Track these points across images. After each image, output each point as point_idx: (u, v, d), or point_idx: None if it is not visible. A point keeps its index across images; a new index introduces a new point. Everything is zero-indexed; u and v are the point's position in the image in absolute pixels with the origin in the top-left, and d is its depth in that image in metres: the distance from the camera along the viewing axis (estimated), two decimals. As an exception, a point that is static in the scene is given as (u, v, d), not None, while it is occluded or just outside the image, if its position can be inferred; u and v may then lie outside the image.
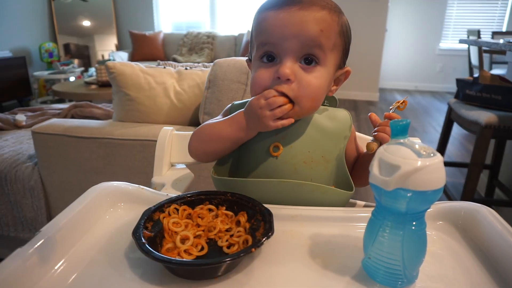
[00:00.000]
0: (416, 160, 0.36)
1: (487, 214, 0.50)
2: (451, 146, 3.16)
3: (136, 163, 1.37)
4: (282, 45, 0.54)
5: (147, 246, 0.43)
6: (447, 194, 2.00)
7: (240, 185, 0.59)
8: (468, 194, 1.74)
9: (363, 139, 0.79)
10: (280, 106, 0.54)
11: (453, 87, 1.99)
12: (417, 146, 0.38)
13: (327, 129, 0.63)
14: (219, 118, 0.65)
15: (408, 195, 0.36)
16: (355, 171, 0.68)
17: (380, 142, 0.58)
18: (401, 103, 0.61)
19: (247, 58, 0.67)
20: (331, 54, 0.57)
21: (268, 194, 0.57)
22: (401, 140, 0.39)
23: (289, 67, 0.54)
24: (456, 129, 2.90)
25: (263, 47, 0.56)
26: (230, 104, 0.69)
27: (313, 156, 0.61)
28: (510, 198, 1.92)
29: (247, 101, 0.66)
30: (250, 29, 0.63)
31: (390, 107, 0.64)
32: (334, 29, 0.56)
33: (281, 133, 0.61)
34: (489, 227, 0.48)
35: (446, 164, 2.39)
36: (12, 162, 1.54)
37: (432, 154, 0.37)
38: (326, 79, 0.58)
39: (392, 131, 0.40)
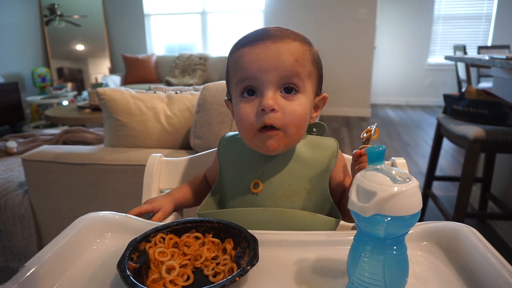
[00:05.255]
0: (392, 186, 0.37)
1: (469, 234, 0.51)
2: (443, 160, 3.19)
3: (128, 188, 1.37)
4: (261, 78, 0.56)
5: (131, 278, 0.43)
6: (440, 208, 2.01)
7: (223, 216, 0.59)
8: (461, 208, 1.75)
9: (349, 160, 0.79)
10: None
11: (443, 101, 2.02)
12: (393, 172, 0.39)
13: (309, 160, 0.63)
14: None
15: (386, 220, 0.37)
16: (344, 202, 0.66)
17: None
18: (372, 133, 0.60)
19: (226, 98, 0.68)
20: (308, 81, 0.59)
21: (252, 225, 0.57)
22: (378, 166, 0.40)
23: (272, 97, 0.55)
24: (447, 142, 2.94)
25: (243, 82, 0.58)
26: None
27: (294, 189, 0.61)
28: (503, 210, 1.93)
29: (237, 135, 0.69)
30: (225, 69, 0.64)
31: (361, 137, 0.62)
32: (307, 58, 0.58)
33: (261, 170, 0.62)
34: (471, 247, 0.49)
35: (439, 178, 2.41)
36: (2, 190, 1.53)
37: (408, 180, 0.38)
38: (308, 105, 0.59)
39: (369, 157, 0.41)
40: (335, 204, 0.65)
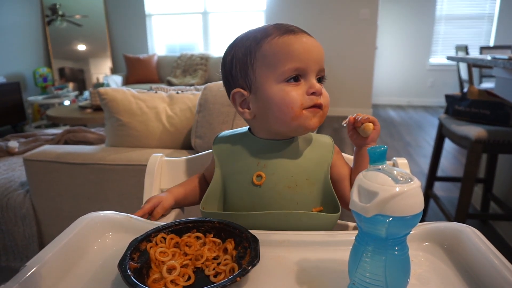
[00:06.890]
0: (394, 187, 0.37)
1: (471, 235, 0.51)
2: (444, 160, 3.18)
3: (129, 188, 1.37)
4: (310, 67, 0.59)
5: (132, 278, 0.43)
6: (442, 209, 2.01)
7: (227, 219, 0.59)
8: (462, 208, 1.74)
9: (350, 161, 0.79)
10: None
11: (445, 101, 2.02)
12: (395, 172, 0.39)
13: (308, 153, 0.65)
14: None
15: (387, 220, 0.37)
16: (342, 191, 0.68)
17: (373, 122, 0.64)
18: (366, 122, 0.65)
19: (236, 89, 0.65)
20: None
21: (255, 225, 0.58)
22: (379, 167, 0.40)
23: (317, 83, 0.60)
24: (449, 142, 2.93)
25: (293, 70, 0.59)
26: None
27: (296, 180, 0.62)
28: (505, 211, 1.92)
29: (233, 133, 0.70)
30: (249, 57, 0.63)
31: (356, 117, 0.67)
32: None
33: (262, 162, 0.63)
34: (473, 247, 0.49)
35: (440, 178, 2.40)
36: (4, 190, 1.53)
37: (409, 180, 0.38)
38: None
39: (370, 157, 0.41)
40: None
